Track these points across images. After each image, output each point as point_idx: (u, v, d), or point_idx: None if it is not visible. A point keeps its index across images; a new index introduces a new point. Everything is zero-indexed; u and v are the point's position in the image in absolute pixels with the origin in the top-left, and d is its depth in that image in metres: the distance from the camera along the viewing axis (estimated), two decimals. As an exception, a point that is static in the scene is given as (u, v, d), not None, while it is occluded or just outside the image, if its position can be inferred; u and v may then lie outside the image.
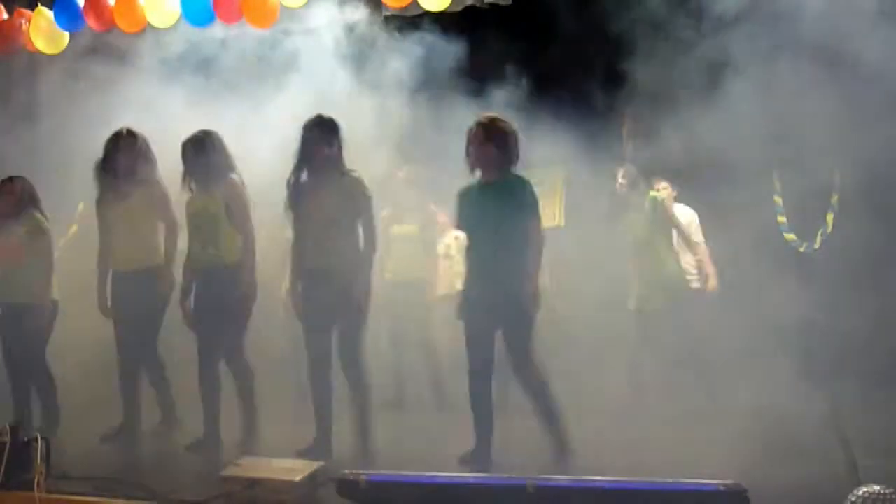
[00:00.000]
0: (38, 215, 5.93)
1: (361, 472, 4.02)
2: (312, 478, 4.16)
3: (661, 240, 6.37)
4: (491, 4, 6.77)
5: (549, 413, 4.88)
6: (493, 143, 4.86)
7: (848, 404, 6.07)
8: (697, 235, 6.90)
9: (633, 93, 6.43)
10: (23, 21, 7.64)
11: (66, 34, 7.49)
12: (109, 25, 7.28)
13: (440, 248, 6.98)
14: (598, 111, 6.77)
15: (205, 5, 6.97)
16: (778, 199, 7.60)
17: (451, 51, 6.69)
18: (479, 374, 4.89)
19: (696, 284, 6.73)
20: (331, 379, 5.11)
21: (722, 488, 3.68)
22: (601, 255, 6.53)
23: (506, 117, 4.99)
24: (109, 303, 5.65)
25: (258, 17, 6.96)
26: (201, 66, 7.06)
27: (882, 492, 3.43)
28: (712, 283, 6.74)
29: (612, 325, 6.39)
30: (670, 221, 6.42)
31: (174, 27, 7.11)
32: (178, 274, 5.59)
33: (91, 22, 7.27)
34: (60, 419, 5.81)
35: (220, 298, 5.31)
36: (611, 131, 7.08)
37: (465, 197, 5.02)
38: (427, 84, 6.68)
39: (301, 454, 4.86)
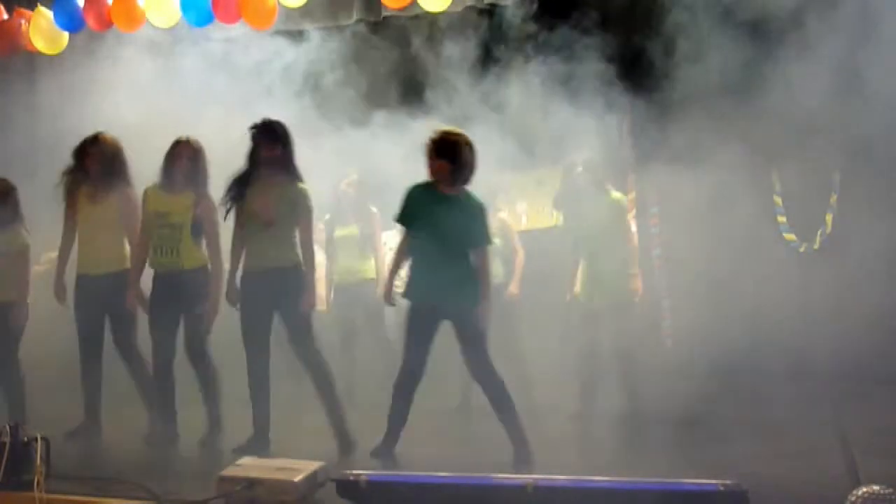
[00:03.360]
0: (23, 230, 5.97)
1: (361, 472, 4.02)
2: (312, 478, 4.16)
3: (614, 240, 6.23)
4: (491, 4, 6.78)
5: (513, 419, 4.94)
6: (445, 158, 4.89)
7: (848, 404, 6.08)
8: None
9: (635, 87, 6.42)
10: (22, 21, 7.64)
11: (66, 34, 7.50)
12: (109, 26, 7.28)
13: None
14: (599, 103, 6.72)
15: (204, 6, 6.98)
16: (778, 200, 7.62)
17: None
18: (409, 381, 4.99)
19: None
20: (266, 374, 5.28)
21: (722, 488, 3.68)
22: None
23: (461, 131, 5.02)
24: (73, 302, 5.75)
25: (257, 17, 6.97)
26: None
27: (882, 492, 3.43)
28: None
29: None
30: (627, 225, 6.38)
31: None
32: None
33: (91, 22, 7.28)
34: (27, 417, 5.74)
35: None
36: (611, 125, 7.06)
37: (418, 195, 5.01)
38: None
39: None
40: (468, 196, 4.97)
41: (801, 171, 6.75)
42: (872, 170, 6.29)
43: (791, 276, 6.42)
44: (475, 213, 4.96)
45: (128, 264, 5.66)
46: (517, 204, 7.79)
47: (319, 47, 6.99)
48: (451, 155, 4.87)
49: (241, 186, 5.24)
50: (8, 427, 4.35)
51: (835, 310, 5.91)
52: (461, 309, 4.87)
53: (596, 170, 6.17)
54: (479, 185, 5.13)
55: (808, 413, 5.88)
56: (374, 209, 7.01)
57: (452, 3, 6.63)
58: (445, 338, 5.07)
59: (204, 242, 5.48)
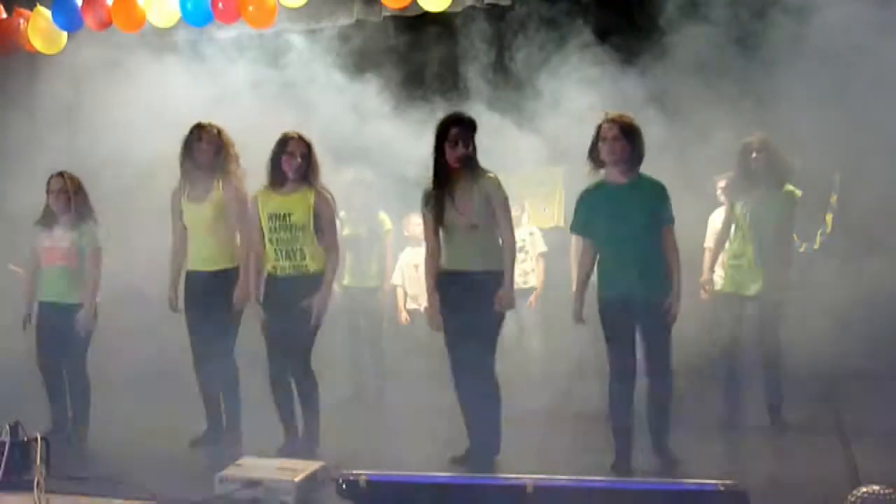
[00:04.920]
0: (94, 226, 5.75)
1: (361, 472, 4.02)
2: (312, 478, 4.16)
3: (779, 232, 5.81)
4: (490, 4, 6.78)
5: (665, 423, 4.73)
6: (626, 139, 4.69)
7: (848, 404, 6.08)
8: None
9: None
10: (21, 21, 7.63)
11: (65, 34, 7.49)
12: (107, 25, 7.27)
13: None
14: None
15: (203, 5, 6.98)
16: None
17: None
18: (623, 383, 4.75)
19: None
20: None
21: (722, 488, 3.68)
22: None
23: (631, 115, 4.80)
24: (182, 303, 5.51)
25: (257, 17, 6.97)
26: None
27: (882, 492, 3.43)
28: None
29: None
30: (794, 219, 5.90)
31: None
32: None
33: (89, 22, 7.27)
34: (90, 421, 5.71)
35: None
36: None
37: (591, 199, 4.82)
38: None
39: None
40: (643, 178, 4.75)
41: (801, 170, 6.75)
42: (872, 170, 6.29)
43: (791, 275, 6.36)
44: (655, 193, 4.72)
45: (236, 262, 5.39)
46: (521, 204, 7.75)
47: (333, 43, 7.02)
48: (631, 137, 4.70)
49: (439, 191, 4.89)
50: (8, 427, 4.35)
51: (834, 309, 5.89)
52: (649, 304, 4.65)
53: (773, 155, 5.71)
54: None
55: (809, 413, 5.89)
56: None
57: (452, 3, 6.64)
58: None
59: (322, 242, 5.16)
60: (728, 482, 3.70)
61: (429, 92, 6.94)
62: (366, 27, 7.10)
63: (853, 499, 3.45)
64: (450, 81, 7.06)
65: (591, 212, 4.82)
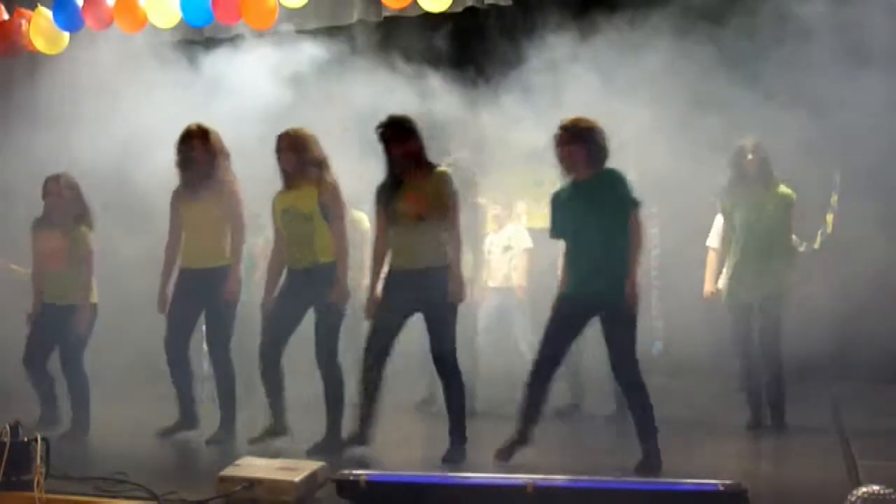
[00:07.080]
0: (84, 229, 5.76)
1: (361, 472, 4.02)
2: (312, 478, 4.16)
3: (777, 235, 5.74)
4: (491, 4, 6.78)
5: (645, 417, 4.64)
6: (577, 143, 4.75)
7: (848, 404, 6.09)
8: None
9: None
10: (23, 21, 7.64)
11: (66, 34, 7.50)
12: (108, 25, 7.28)
13: (499, 241, 7.19)
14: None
15: (204, 5, 6.98)
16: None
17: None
18: (542, 372, 4.80)
19: None
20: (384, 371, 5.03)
21: (722, 488, 3.68)
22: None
23: (588, 117, 4.84)
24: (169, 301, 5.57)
25: (257, 17, 6.97)
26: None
27: (882, 492, 3.43)
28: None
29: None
30: (790, 221, 5.80)
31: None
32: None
33: (90, 22, 7.28)
34: (90, 422, 5.71)
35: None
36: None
37: (559, 200, 4.89)
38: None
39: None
40: (603, 171, 4.78)
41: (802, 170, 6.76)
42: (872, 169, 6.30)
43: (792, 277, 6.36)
44: (613, 182, 4.73)
45: (228, 260, 5.47)
46: (517, 203, 7.77)
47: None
48: (583, 141, 4.75)
49: (389, 189, 5.05)
50: (8, 427, 4.35)
51: (834, 309, 5.90)
52: (608, 301, 4.64)
53: (766, 158, 5.73)
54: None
55: (808, 413, 5.89)
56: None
57: (453, 3, 6.63)
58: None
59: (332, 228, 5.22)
60: (728, 482, 3.69)
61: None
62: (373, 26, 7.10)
63: (853, 499, 3.44)
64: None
65: (560, 213, 4.88)
